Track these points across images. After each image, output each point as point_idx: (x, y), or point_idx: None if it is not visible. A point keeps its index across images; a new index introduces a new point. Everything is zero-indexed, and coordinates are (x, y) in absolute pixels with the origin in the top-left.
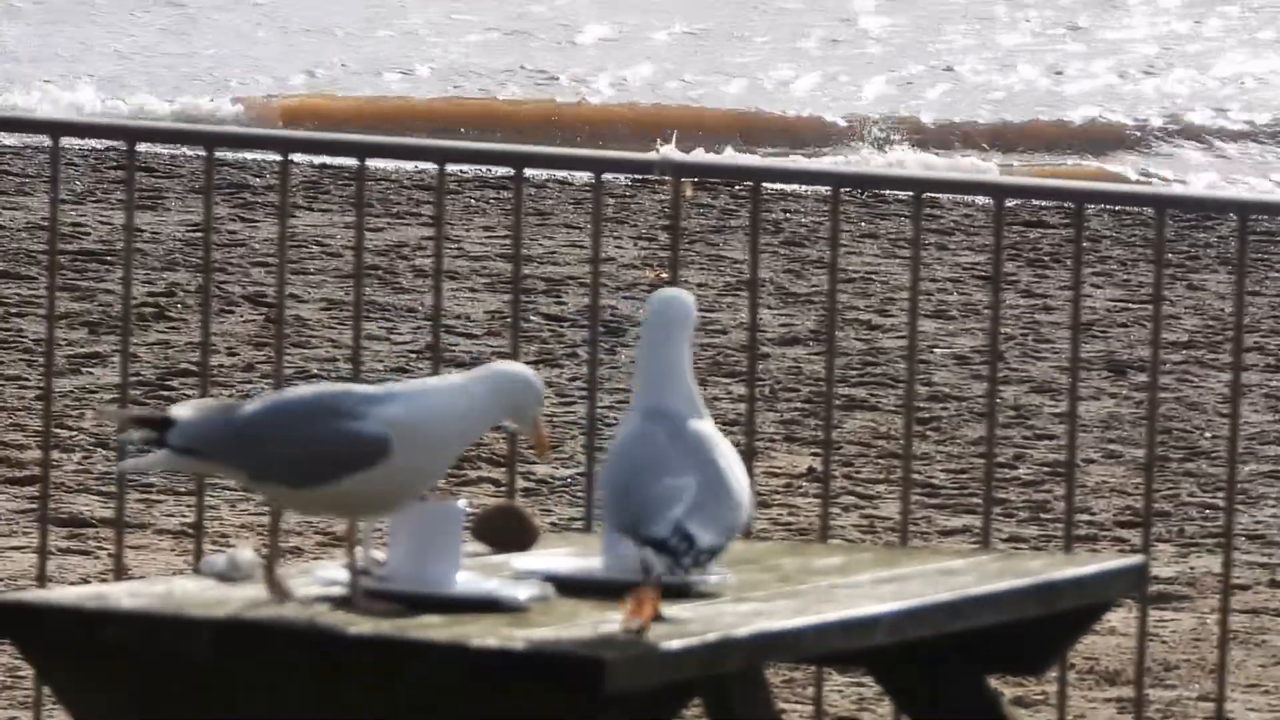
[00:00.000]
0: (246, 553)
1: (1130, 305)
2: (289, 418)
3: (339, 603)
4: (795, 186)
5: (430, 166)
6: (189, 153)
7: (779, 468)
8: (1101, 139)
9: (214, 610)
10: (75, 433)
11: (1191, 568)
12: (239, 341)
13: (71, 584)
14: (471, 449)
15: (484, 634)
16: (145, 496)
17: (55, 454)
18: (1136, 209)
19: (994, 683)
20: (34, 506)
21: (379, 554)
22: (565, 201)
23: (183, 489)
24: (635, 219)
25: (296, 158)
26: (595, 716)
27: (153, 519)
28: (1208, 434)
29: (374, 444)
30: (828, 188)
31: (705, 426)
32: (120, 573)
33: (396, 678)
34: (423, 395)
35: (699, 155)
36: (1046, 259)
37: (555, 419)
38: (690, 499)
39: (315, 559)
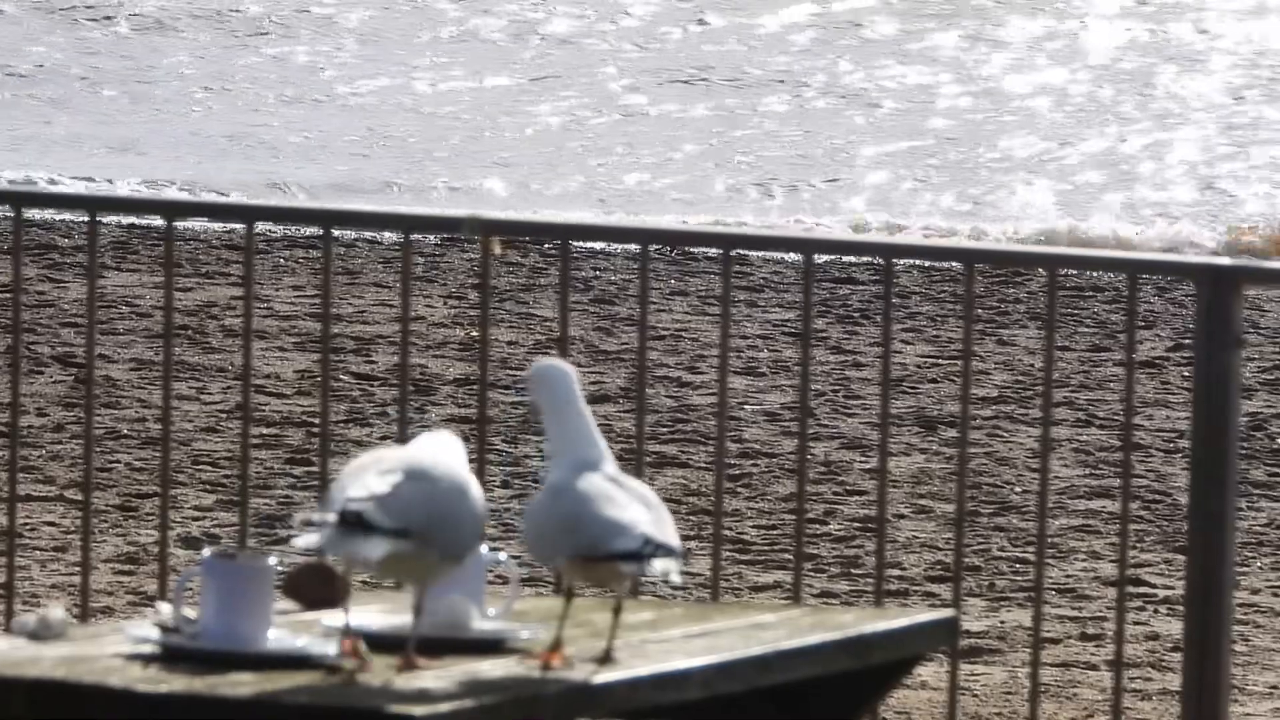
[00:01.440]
0: (58, 612)
1: (940, 361)
2: (461, 493)
3: (191, 661)
4: (604, 244)
5: (239, 226)
6: None
7: None
8: None
9: (26, 670)
10: None
11: (1002, 621)
12: (48, 402)
13: None
14: (282, 507)
15: (296, 692)
16: None
17: None
18: (946, 264)
19: None
20: None
21: (189, 611)
22: (374, 260)
23: None
24: (445, 277)
25: (104, 217)
26: None
27: None
28: (1018, 488)
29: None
30: (637, 245)
31: (630, 478)
32: None
33: None
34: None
35: (507, 213)
36: (856, 315)
37: None
38: (648, 522)
39: (126, 618)
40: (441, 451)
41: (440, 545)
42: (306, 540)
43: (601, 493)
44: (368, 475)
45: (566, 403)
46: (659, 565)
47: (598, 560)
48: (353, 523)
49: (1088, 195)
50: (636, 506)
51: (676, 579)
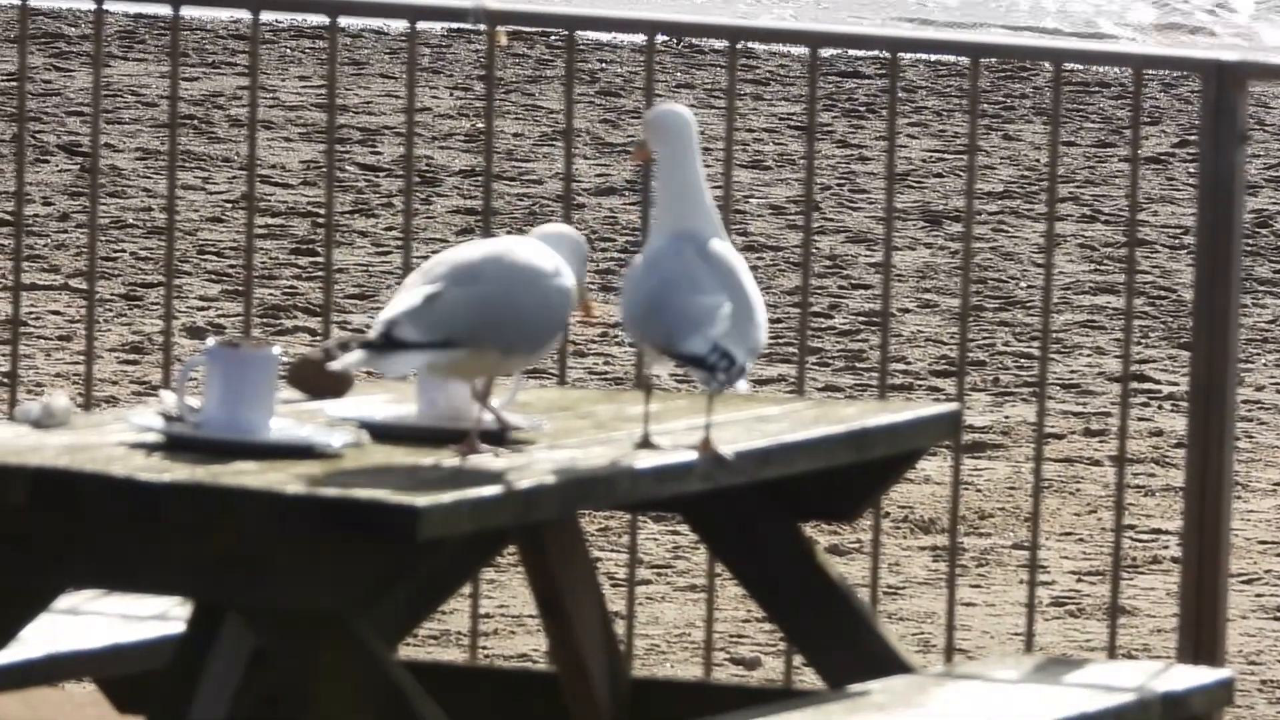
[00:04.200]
0: (61, 399)
1: (945, 155)
2: (518, 286)
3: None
4: (611, 35)
5: (245, 15)
6: (3, 1)
7: (594, 317)
8: None
9: (27, 458)
10: None
11: (1006, 416)
12: (54, 191)
13: None
14: (287, 298)
15: (298, 481)
16: None
17: None
18: (952, 58)
19: (808, 531)
20: None
21: (193, 400)
22: (381, 51)
23: None
24: (451, 68)
25: (111, 6)
26: (409, 563)
27: None
28: (1023, 284)
29: (570, 301)
30: (643, 36)
31: (729, 248)
32: None
33: (210, 525)
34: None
35: (513, 3)
36: (862, 109)
37: (371, 269)
38: (725, 318)
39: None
40: (510, 247)
41: (498, 346)
42: (347, 360)
43: (685, 278)
44: (411, 287)
45: (682, 159)
46: (726, 379)
47: (669, 356)
48: (381, 344)
49: None
50: (717, 299)
51: (744, 387)
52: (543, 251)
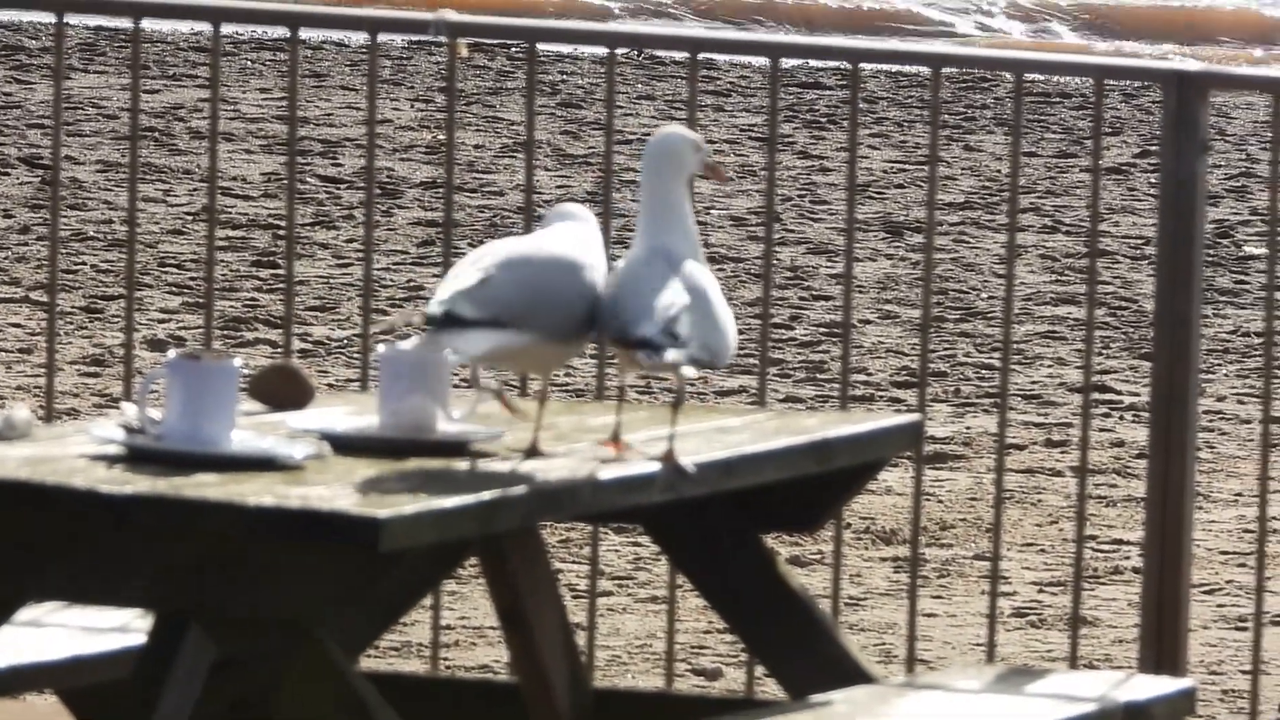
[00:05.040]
0: (23, 412)
1: (907, 166)
2: (564, 274)
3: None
4: (572, 48)
5: (206, 28)
6: None
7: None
8: None
9: None
10: None
11: (967, 427)
12: (14, 203)
13: None
14: (248, 310)
15: (260, 492)
16: None
17: None
18: (913, 69)
19: (770, 542)
20: None
21: (154, 412)
22: (342, 63)
23: None
24: (412, 80)
25: (71, 18)
26: (371, 574)
27: None
28: (983, 294)
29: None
30: (604, 48)
31: (703, 269)
32: None
33: (173, 537)
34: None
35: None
36: (823, 120)
37: (332, 281)
38: (681, 309)
39: (91, 419)
40: (555, 235)
41: (543, 330)
42: (408, 344)
43: (650, 282)
44: (463, 269)
45: (670, 181)
46: (671, 355)
47: (623, 345)
48: (442, 321)
49: None
50: (678, 298)
51: (690, 373)
52: (586, 244)
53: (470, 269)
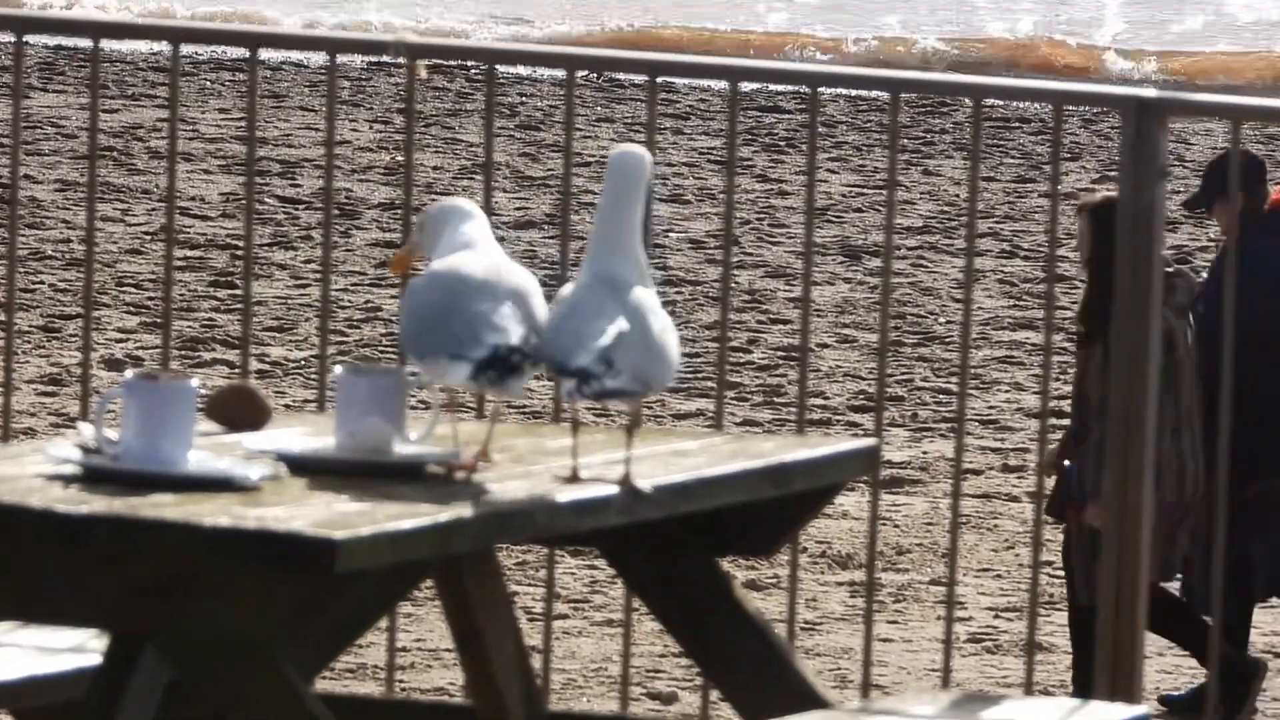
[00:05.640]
0: None
1: (865, 190)
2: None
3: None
4: (531, 69)
5: (165, 48)
6: None
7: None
8: None
9: None
10: None
11: (924, 452)
12: None
13: None
14: (206, 330)
15: (216, 513)
16: None
17: None
18: (872, 94)
19: (726, 566)
20: None
21: (111, 432)
22: (301, 84)
23: None
24: (371, 102)
25: (30, 37)
26: (327, 595)
27: None
28: (941, 319)
29: None
30: (563, 71)
31: (648, 294)
32: None
33: (129, 557)
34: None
35: (433, 36)
36: (782, 144)
37: (290, 301)
38: (616, 334)
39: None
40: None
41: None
42: (454, 374)
43: (590, 309)
44: (501, 308)
45: (623, 201)
46: (605, 385)
47: (560, 375)
48: (506, 367)
49: None
50: (614, 323)
51: (622, 405)
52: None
53: (510, 309)
